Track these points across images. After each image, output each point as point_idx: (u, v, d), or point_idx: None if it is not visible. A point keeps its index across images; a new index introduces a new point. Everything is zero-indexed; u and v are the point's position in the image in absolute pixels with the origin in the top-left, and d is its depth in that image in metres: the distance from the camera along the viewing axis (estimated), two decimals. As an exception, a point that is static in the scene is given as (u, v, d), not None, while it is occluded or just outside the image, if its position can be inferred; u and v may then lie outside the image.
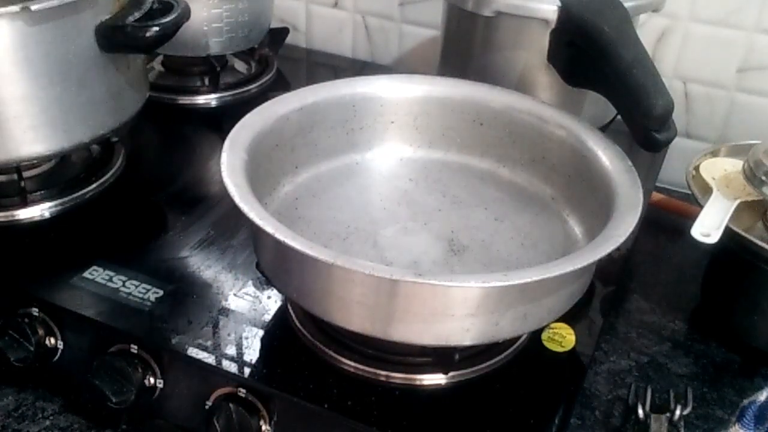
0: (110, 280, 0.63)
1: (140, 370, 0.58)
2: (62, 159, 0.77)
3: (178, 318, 0.60)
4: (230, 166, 0.55)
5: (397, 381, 0.56)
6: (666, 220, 0.84)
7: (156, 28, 0.67)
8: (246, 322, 0.60)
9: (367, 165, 0.70)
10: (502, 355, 0.58)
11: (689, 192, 0.67)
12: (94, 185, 0.74)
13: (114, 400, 0.57)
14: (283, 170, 0.65)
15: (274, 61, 1.03)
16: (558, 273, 0.48)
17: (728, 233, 0.60)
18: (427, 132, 0.71)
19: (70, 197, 0.73)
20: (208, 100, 0.94)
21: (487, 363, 0.58)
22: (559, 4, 0.69)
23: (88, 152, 0.79)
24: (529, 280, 0.48)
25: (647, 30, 0.88)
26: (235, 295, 0.63)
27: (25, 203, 0.71)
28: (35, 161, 0.73)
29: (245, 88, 0.96)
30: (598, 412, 0.61)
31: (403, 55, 1.07)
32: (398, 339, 0.51)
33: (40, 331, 0.61)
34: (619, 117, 0.65)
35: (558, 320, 0.56)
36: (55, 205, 0.72)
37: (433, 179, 0.69)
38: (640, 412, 0.58)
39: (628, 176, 0.58)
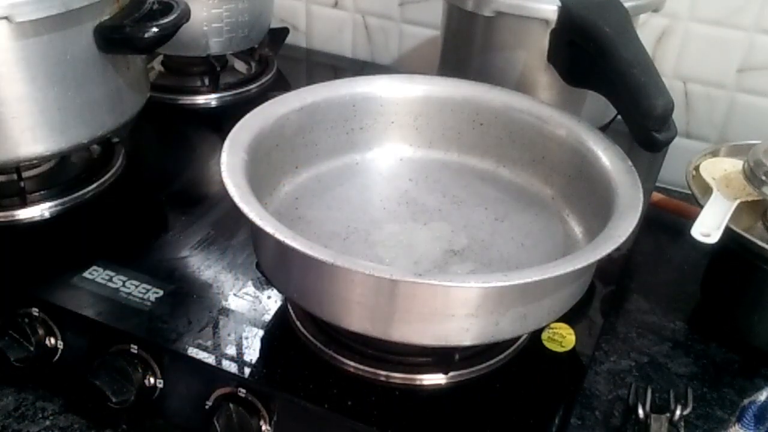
0: (110, 280, 0.63)
1: (140, 370, 0.58)
2: (62, 159, 0.77)
3: (178, 318, 0.60)
4: (230, 166, 0.55)
5: (397, 381, 0.56)
6: (666, 220, 0.84)
7: (155, 29, 0.67)
8: (246, 322, 0.60)
9: (367, 165, 0.70)
10: (502, 355, 0.58)
11: (689, 192, 0.67)
12: (94, 185, 0.74)
13: (114, 400, 0.57)
14: (283, 170, 0.65)
15: (274, 61, 1.03)
16: (558, 273, 0.48)
17: (728, 233, 0.60)
18: (427, 132, 0.71)
19: (70, 197, 0.73)
20: (208, 100, 0.94)
21: (487, 363, 0.58)
22: (559, 4, 0.69)
23: (88, 152, 0.79)
24: (529, 280, 0.48)
25: (647, 30, 0.88)
26: (235, 295, 0.63)
27: (25, 203, 0.71)
28: (34, 161, 0.73)
29: (245, 88, 0.96)
30: (598, 412, 0.61)
31: (403, 55, 1.07)
32: (398, 339, 0.51)
33: (40, 331, 0.61)
34: (619, 117, 0.65)
35: (558, 320, 0.56)
36: (55, 205, 0.72)
37: (433, 179, 0.69)
38: (640, 412, 0.58)
39: (628, 176, 0.58)
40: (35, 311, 0.61)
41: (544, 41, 0.72)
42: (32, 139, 0.66)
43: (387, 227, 0.63)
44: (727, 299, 0.68)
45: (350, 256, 0.51)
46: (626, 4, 0.67)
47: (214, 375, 0.56)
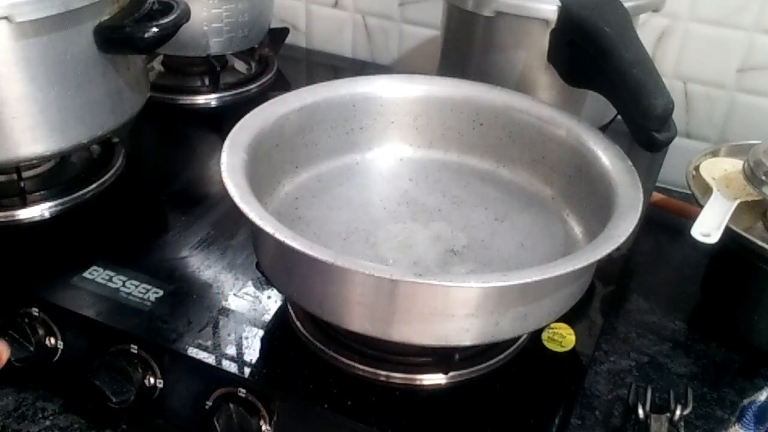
0: (110, 280, 0.63)
1: (140, 370, 0.58)
2: (62, 159, 0.77)
3: (178, 318, 0.60)
4: (230, 166, 0.55)
5: (397, 381, 0.56)
6: (666, 220, 0.84)
7: (155, 29, 0.67)
8: (246, 322, 0.60)
9: (367, 165, 0.70)
10: (502, 355, 0.59)
11: (689, 192, 0.67)
12: (94, 185, 0.75)
13: (114, 400, 0.57)
14: (283, 170, 0.65)
15: (274, 61, 1.03)
16: (558, 273, 0.48)
17: (728, 233, 0.60)
18: (427, 132, 0.71)
19: (70, 197, 0.73)
20: (208, 100, 0.94)
21: (487, 363, 0.58)
22: (559, 4, 0.69)
23: (88, 152, 0.79)
24: (529, 280, 0.48)
25: (647, 30, 0.88)
26: (235, 295, 0.63)
27: (24, 203, 0.71)
28: (34, 161, 0.73)
29: (245, 88, 0.96)
30: (598, 412, 0.61)
31: (403, 55, 1.07)
32: (398, 339, 0.51)
33: (40, 331, 0.61)
34: (619, 117, 0.65)
35: (558, 320, 0.56)
36: (55, 205, 0.72)
37: (433, 179, 0.69)
38: (640, 412, 0.58)
39: (628, 176, 0.58)
40: (35, 311, 0.61)
41: (544, 41, 0.72)
42: (32, 139, 0.66)
43: (387, 227, 0.63)
44: (727, 299, 0.68)
45: (350, 256, 0.51)
46: (626, 4, 0.67)
47: (214, 375, 0.56)
